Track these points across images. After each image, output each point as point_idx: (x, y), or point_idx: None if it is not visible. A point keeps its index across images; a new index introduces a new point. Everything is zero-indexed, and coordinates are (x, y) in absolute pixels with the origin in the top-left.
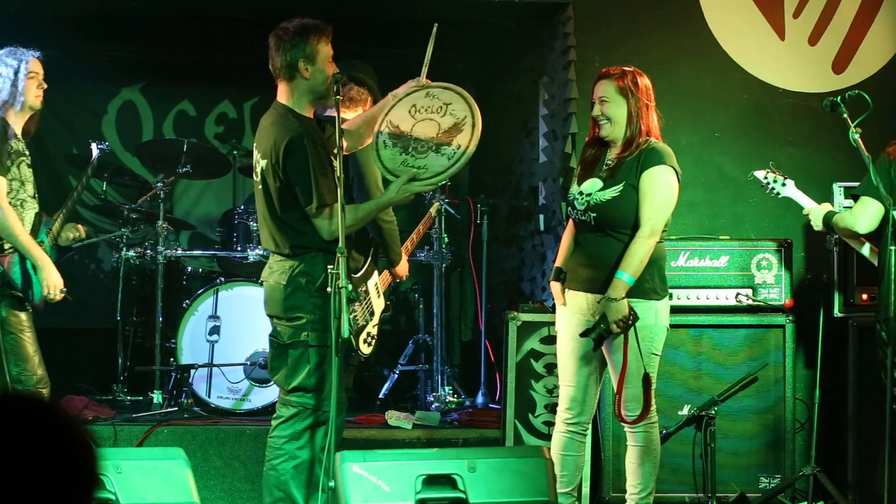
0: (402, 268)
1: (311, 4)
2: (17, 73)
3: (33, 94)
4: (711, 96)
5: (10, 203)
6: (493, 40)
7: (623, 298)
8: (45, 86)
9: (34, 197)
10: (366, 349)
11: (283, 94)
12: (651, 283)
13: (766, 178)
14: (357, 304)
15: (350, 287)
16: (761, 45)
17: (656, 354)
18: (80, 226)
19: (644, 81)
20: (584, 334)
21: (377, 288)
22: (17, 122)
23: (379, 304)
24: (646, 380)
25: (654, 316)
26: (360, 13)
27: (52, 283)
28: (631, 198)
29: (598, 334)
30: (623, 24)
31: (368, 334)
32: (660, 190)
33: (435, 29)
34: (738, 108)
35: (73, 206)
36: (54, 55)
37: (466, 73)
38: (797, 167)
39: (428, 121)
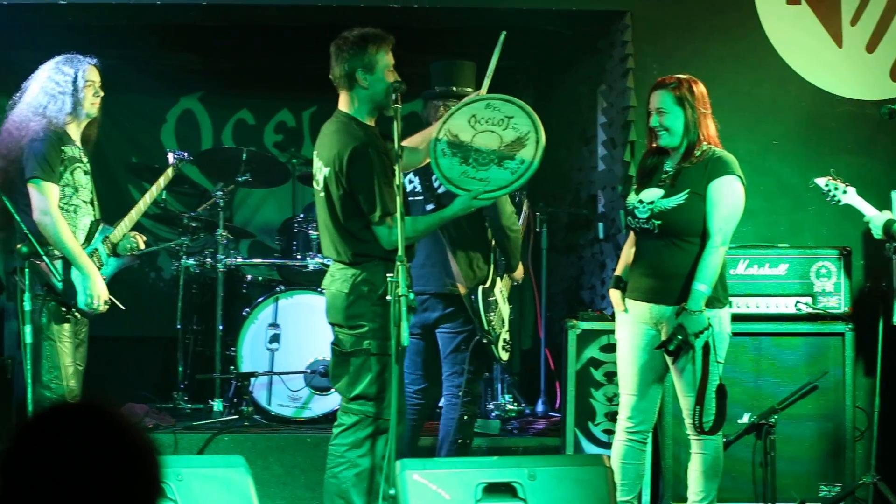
0: (520, 272)
1: (371, 14)
2: (75, 81)
3: (90, 102)
4: (769, 104)
5: (61, 209)
6: (552, 49)
7: (703, 310)
8: (102, 94)
9: (90, 203)
10: (504, 355)
11: (344, 103)
12: (715, 292)
13: (827, 185)
14: (492, 313)
15: (412, 296)
16: (819, 52)
17: (720, 362)
18: (139, 235)
19: (699, 89)
20: (662, 346)
21: (503, 295)
22: (74, 130)
23: (506, 310)
24: (721, 390)
25: (718, 324)
26: (418, 23)
27: (95, 293)
28: (696, 206)
29: (677, 346)
30: (681, 32)
31: (505, 340)
32: (729, 199)
33: (502, 38)
34: (796, 115)
35: (136, 216)
36: (114, 65)
37: (524, 81)
38: (855, 175)
39: (489, 132)
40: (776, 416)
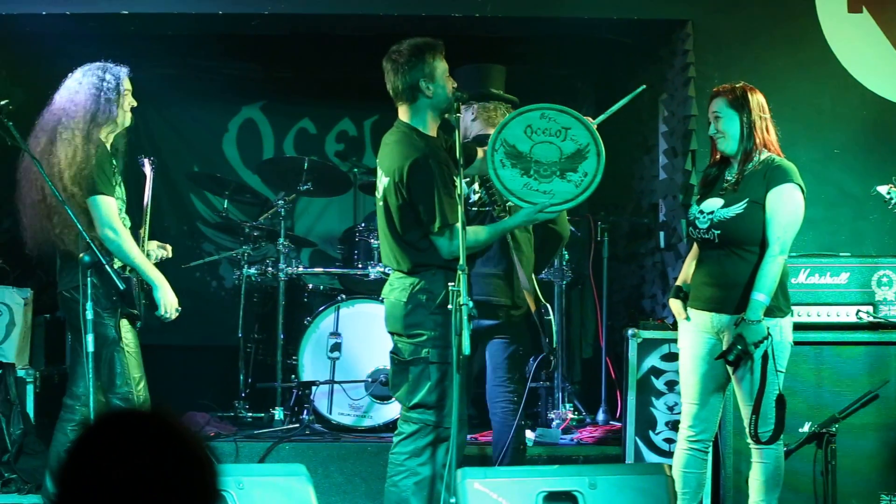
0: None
1: (432, 23)
2: (118, 88)
3: (126, 110)
4: (830, 112)
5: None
6: (613, 57)
7: (761, 320)
8: (136, 103)
9: (126, 212)
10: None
11: (404, 114)
12: (776, 301)
13: (888, 192)
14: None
15: (471, 304)
16: (880, 61)
17: (781, 371)
18: (166, 245)
19: (757, 96)
20: (722, 356)
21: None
22: (110, 139)
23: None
24: (780, 400)
25: (780, 333)
26: (478, 31)
27: (168, 301)
28: (755, 214)
29: (736, 356)
30: (742, 41)
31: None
32: (788, 207)
33: (640, 90)
34: (858, 124)
35: (146, 234)
36: (175, 74)
37: (586, 90)
38: None
39: (547, 144)
40: (837, 426)
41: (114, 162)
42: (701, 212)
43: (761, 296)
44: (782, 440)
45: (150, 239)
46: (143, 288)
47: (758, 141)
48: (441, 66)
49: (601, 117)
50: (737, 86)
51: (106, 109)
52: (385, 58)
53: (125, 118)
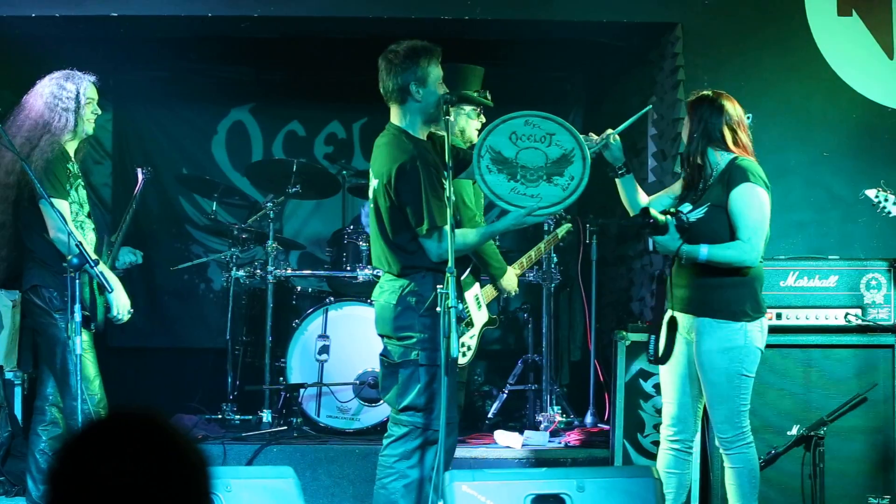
0: (509, 282)
1: (422, 25)
2: (77, 98)
3: (89, 120)
4: (820, 116)
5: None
6: (602, 60)
7: (676, 249)
8: (100, 112)
9: (89, 216)
10: (460, 360)
11: (395, 116)
12: (741, 305)
13: (877, 196)
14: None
15: (462, 307)
16: (870, 64)
17: (746, 376)
18: (136, 251)
19: (718, 101)
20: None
21: (478, 300)
22: (71, 147)
23: (479, 317)
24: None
25: (744, 337)
26: (467, 33)
27: (121, 303)
28: (717, 218)
29: (645, 225)
30: (731, 44)
31: (464, 345)
32: (749, 208)
33: (647, 109)
34: (848, 127)
35: (126, 230)
36: (165, 76)
37: (575, 92)
38: None
39: (532, 149)
40: (825, 429)
41: (70, 167)
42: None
43: (705, 249)
44: (753, 444)
45: (127, 244)
46: (97, 290)
47: (709, 145)
48: (435, 72)
49: (618, 129)
50: (699, 93)
51: (63, 119)
52: (381, 56)
53: (86, 127)
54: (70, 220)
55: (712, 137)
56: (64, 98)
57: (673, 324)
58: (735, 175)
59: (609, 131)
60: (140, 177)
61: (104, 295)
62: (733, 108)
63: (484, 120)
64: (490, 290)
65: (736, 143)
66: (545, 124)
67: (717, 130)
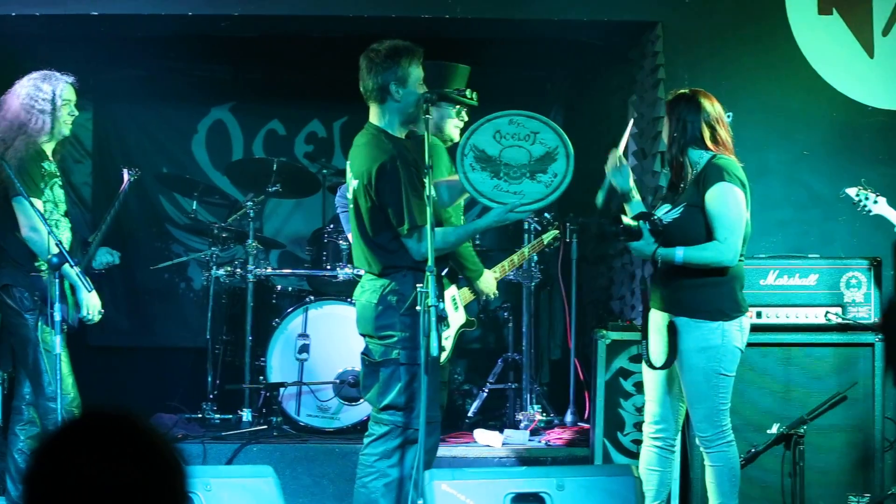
0: (486, 284)
1: (402, 24)
2: (53, 100)
3: (65, 122)
4: (800, 114)
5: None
6: (582, 59)
7: (652, 253)
8: (76, 113)
9: (65, 216)
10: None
11: (374, 116)
12: (718, 304)
13: (857, 195)
14: None
15: (442, 306)
16: (850, 62)
17: (725, 375)
18: (113, 251)
19: (698, 99)
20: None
21: (454, 301)
22: (48, 147)
23: (456, 318)
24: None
25: (721, 337)
26: (447, 32)
27: (91, 304)
28: (692, 218)
29: (612, 225)
30: (711, 43)
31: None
32: (723, 207)
33: (631, 123)
34: (828, 126)
35: (106, 230)
36: (145, 75)
37: (555, 91)
38: (887, 185)
39: (516, 147)
40: (805, 427)
41: (45, 167)
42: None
43: (680, 252)
44: (734, 443)
45: (107, 244)
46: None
47: (692, 144)
48: (416, 73)
49: (620, 145)
50: (678, 90)
51: (38, 121)
52: (363, 55)
53: (62, 128)
54: (39, 219)
55: (692, 136)
56: (40, 100)
57: (672, 329)
58: (710, 174)
59: (616, 154)
60: (126, 177)
61: (75, 295)
62: (711, 105)
63: (467, 119)
64: (467, 293)
65: (715, 140)
66: (529, 123)
67: (695, 129)
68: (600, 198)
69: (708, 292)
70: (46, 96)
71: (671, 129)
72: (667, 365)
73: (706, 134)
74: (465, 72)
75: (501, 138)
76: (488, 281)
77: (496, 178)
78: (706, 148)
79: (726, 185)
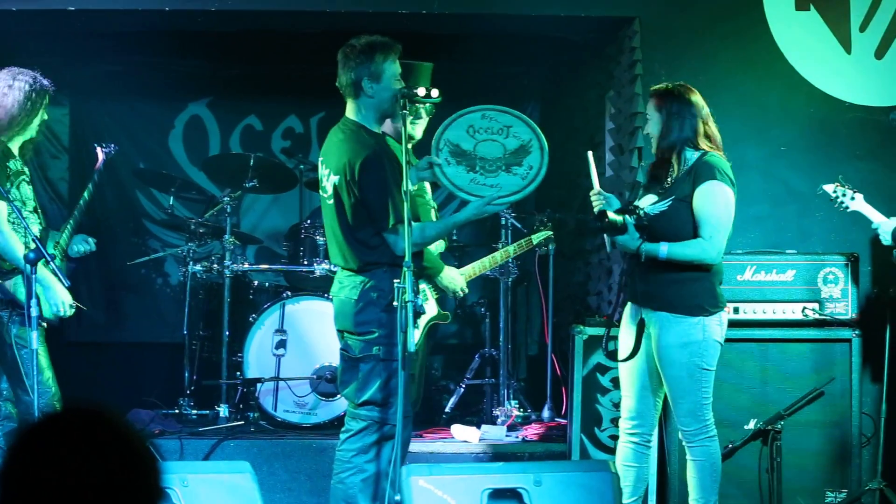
0: (449, 280)
1: (379, 19)
2: (25, 95)
3: (36, 119)
4: (778, 110)
5: (12, 224)
6: (560, 55)
7: (636, 248)
8: (46, 117)
9: (35, 212)
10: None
11: (350, 111)
12: (699, 300)
13: (835, 191)
14: None
15: (420, 301)
16: (828, 58)
17: (707, 370)
18: (88, 238)
19: (687, 95)
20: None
21: (424, 294)
22: (15, 144)
23: (426, 310)
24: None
25: (702, 332)
26: (425, 28)
27: (59, 300)
28: (680, 212)
29: (600, 222)
30: (689, 38)
31: None
32: (713, 205)
33: (590, 156)
34: (805, 122)
35: (80, 217)
36: (122, 71)
37: (533, 87)
38: (864, 181)
39: (490, 141)
40: (782, 423)
41: (10, 166)
42: (636, 207)
43: (664, 248)
44: (726, 436)
45: (81, 232)
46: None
47: (685, 141)
48: (391, 69)
49: (594, 178)
50: (667, 85)
51: (22, 119)
52: (341, 49)
53: (33, 130)
54: (4, 218)
55: (688, 133)
56: (10, 95)
57: (641, 324)
58: (702, 171)
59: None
60: (101, 155)
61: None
62: (701, 101)
63: (430, 117)
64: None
65: (707, 136)
66: (502, 117)
67: (692, 129)
68: (607, 242)
69: (689, 288)
70: (16, 94)
71: (669, 126)
72: (630, 357)
73: (700, 131)
74: (428, 69)
75: (475, 133)
76: (452, 277)
77: (472, 172)
78: (697, 144)
79: (718, 183)
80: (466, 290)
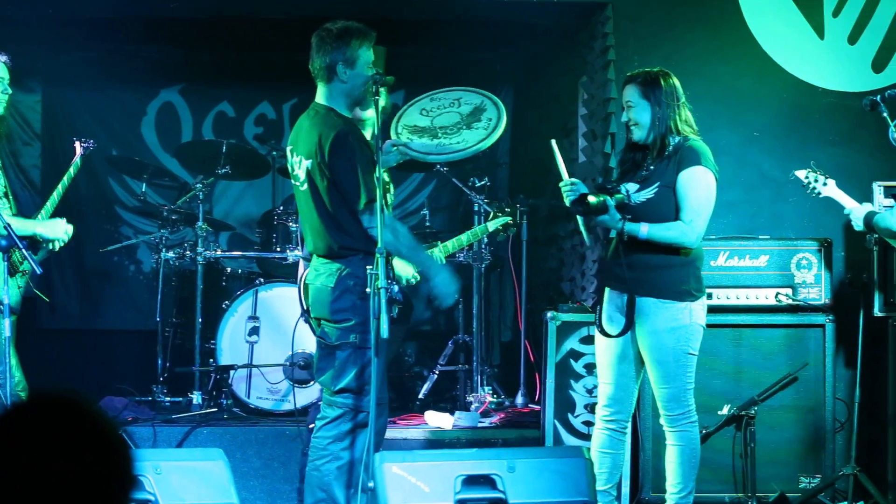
0: (400, 267)
1: (352, 4)
2: None
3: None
4: (751, 96)
5: None
6: (533, 41)
7: (618, 225)
8: (10, 92)
9: (5, 196)
10: None
11: (321, 95)
12: (686, 285)
13: (807, 177)
14: None
15: (396, 288)
16: (801, 44)
17: (692, 354)
18: (63, 223)
19: (670, 81)
20: (579, 202)
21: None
22: None
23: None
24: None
25: (689, 316)
26: (397, 13)
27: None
28: (666, 199)
29: (581, 203)
30: (662, 24)
31: None
32: (697, 190)
33: (554, 144)
34: (778, 107)
35: (52, 208)
36: (94, 57)
37: (505, 73)
38: (837, 166)
39: (445, 114)
40: (756, 408)
41: None
42: None
43: (645, 228)
44: (700, 422)
45: (58, 217)
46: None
47: (671, 128)
48: (365, 55)
49: (563, 172)
50: (650, 72)
51: None
52: (315, 33)
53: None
54: None
55: (675, 121)
56: None
57: (632, 301)
58: (686, 156)
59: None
60: (79, 149)
61: (15, 276)
62: (680, 86)
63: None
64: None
65: (685, 121)
66: (449, 94)
67: (677, 115)
68: (585, 235)
69: (675, 273)
70: None
71: (655, 112)
72: (622, 333)
73: (682, 116)
74: (381, 53)
75: (429, 112)
76: (400, 264)
77: (436, 139)
78: (679, 130)
79: (703, 169)
80: (418, 278)
